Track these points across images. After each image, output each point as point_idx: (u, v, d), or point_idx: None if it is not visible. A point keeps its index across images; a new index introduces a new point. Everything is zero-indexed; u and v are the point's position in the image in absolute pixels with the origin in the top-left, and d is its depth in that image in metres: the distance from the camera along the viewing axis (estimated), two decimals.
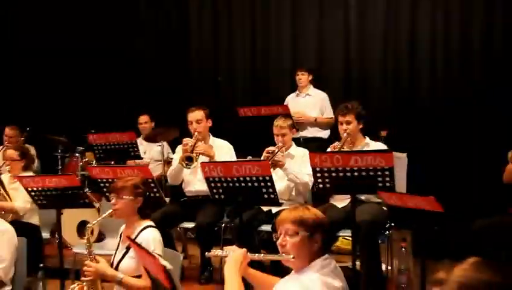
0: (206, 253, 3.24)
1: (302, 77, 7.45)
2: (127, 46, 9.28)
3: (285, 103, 7.41)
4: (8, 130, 7.75)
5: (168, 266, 2.41)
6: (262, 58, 8.75)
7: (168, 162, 7.15)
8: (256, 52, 8.78)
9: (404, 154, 5.55)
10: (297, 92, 7.61)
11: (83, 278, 3.93)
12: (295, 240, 2.74)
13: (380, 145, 5.16)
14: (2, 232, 4.69)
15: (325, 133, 7.35)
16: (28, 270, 5.03)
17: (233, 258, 2.93)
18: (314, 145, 6.57)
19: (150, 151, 7.82)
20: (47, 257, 6.05)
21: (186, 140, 5.59)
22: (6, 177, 6.16)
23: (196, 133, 5.64)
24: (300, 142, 6.66)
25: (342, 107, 5.16)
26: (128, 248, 3.88)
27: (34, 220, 6.10)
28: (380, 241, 4.95)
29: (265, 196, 4.56)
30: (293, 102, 7.46)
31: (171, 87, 8.99)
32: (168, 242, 4.58)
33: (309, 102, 7.42)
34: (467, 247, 4.66)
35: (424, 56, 7.86)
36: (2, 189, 5.76)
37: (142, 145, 7.53)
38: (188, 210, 5.69)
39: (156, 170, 7.08)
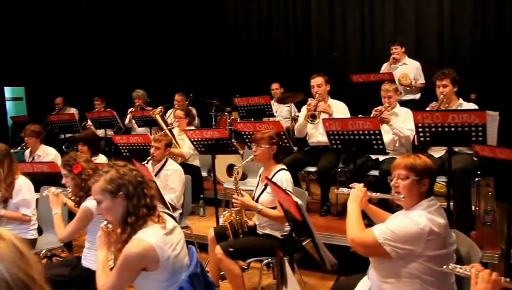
0: (335, 190, 3.14)
1: (396, 51, 6.98)
2: (266, 32, 9.24)
3: (381, 70, 7.02)
4: (177, 96, 7.99)
5: (299, 201, 2.31)
6: (370, 34, 8.35)
7: (294, 119, 7.07)
8: (365, 29, 8.37)
9: (497, 113, 5.07)
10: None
11: (231, 208, 3.97)
12: (406, 183, 2.60)
13: (472, 106, 4.76)
14: (175, 170, 4.87)
15: (417, 96, 6.91)
16: (192, 199, 5.21)
17: (355, 194, 2.83)
18: (409, 107, 6.19)
19: (280, 111, 7.76)
20: (205, 190, 6.21)
21: (310, 101, 5.46)
22: (176, 131, 6.36)
23: (318, 95, 5.48)
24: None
25: (439, 73, 4.80)
26: (266, 186, 3.87)
27: (196, 162, 6.29)
28: (470, 186, 4.62)
29: (375, 146, 4.39)
30: (390, 70, 7.01)
31: (297, 59, 8.89)
32: (295, 182, 4.53)
33: (405, 70, 6.94)
34: None
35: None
36: (173, 139, 5.94)
37: (274, 106, 7.48)
38: (311, 157, 5.58)
39: (285, 126, 7.01)
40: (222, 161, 6.27)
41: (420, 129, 4.03)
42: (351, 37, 8.53)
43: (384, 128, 4.85)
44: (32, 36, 10.06)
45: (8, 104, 10.93)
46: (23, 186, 4.26)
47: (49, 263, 4.45)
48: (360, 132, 4.35)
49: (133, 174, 2.38)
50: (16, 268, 1.03)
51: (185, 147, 6.01)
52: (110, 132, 7.75)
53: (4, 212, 4.20)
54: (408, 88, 6.80)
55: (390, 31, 8.11)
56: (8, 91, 10.91)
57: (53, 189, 3.79)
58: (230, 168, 6.42)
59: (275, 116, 7.24)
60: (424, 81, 6.80)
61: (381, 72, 6.91)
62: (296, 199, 2.36)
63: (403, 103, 6.33)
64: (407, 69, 6.92)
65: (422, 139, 4.08)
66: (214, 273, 3.99)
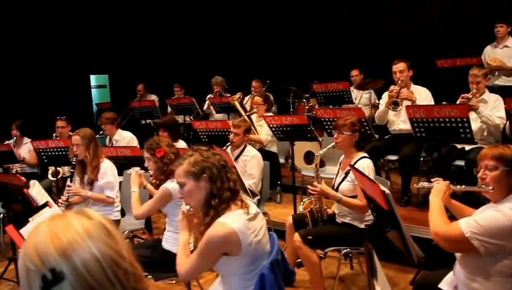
0: (415, 185, 3.00)
1: (501, 29, 6.50)
2: (343, 17, 9.01)
3: (483, 54, 6.61)
4: (254, 83, 8.00)
5: (387, 191, 2.21)
6: (455, 12, 7.82)
7: (374, 106, 6.88)
8: (448, 7, 7.87)
9: None
10: (495, 43, 6.65)
11: (311, 196, 3.90)
12: (494, 174, 2.42)
13: None
14: (254, 156, 4.87)
15: None
16: (270, 185, 5.20)
17: (437, 188, 2.68)
18: (501, 93, 5.81)
19: (359, 98, 7.57)
20: (282, 177, 6.18)
21: (392, 87, 5.27)
22: (254, 117, 6.37)
23: (400, 81, 5.29)
24: (494, 90, 5.88)
25: None
26: (346, 174, 3.78)
27: (274, 149, 6.28)
28: None
29: (462, 135, 4.19)
30: (491, 52, 6.58)
31: (377, 44, 8.54)
32: (376, 171, 4.38)
33: (506, 53, 6.48)
34: None
35: None
36: (252, 126, 5.94)
37: (354, 92, 7.32)
38: (392, 145, 5.41)
39: (364, 113, 6.83)
40: (299, 147, 6.22)
41: None
42: (433, 17, 8.06)
43: (471, 115, 4.60)
44: (115, 26, 10.42)
45: (93, 92, 11.47)
46: (107, 169, 4.43)
47: (130, 244, 4.60)
48: (446, 120, 4.17)
49: (217, 158, 2.38)
50: (104, 245, 1.06)
51: (263, 133, 6.01)
52: (188, 119, 7.91)
53: (90, 194, 4.38)
54: (504, 73, 6.32)
55: (479, 6, 7.48)
56: (93, 79, 11.43)
57: (137, 168, 3.92)
58: (307, 155, 6.36)
59: (354, 103, 7.07)
60: None
61: (482, 56, 6.52)
62: (383, 188, 2.25)
63: (502, 89, 5.96)
64: (508, 52, 6.45)
65: None
66: (290, 260, 3.96)
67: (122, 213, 4.73)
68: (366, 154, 3.82)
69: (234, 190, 2.36)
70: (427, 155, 5.31)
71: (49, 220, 1.10)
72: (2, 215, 5.29)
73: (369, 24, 8.70)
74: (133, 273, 1.09)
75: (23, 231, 2.67)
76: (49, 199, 3.64)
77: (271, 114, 6.23)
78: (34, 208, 3.24)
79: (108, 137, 6.42)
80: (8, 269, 4.55)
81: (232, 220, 2.25)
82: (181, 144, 5.52)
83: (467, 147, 4.80)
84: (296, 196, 5.14)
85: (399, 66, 5.39)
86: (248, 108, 7.04)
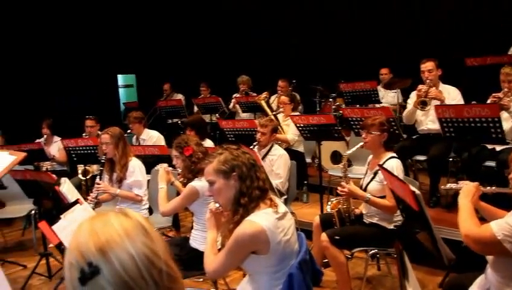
0: (442, 186, 2.96)
1: None
2: (371, 15, 8.92)
3: (510, 50, 6.45)
4: (280, 82, 7.96)
5: (417, 191, 2.18)
6: (485, 12, 7.67)
7: (401, 106, 6.80)
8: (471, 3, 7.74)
9: None
10: None
11: (338, 196, 3.89)
12: None
13: None
14: (281, 155, 4.87)
15: None
16: (297, 185, 5.18)
17: (466, 190, 2.63)
18: None
19: (386, 97, 7.50)
20: (309, 176, 6.16)
21: (420, 86, 5.21)
22: (280, 117, 6.37)
23: (428, 81, 5.22)
24: None
25: None
26: (375, 174, 3.75)
27: (300, 148, 6.27)
28: None
29: (493, 135, 4.10)
30: None
31: (405, 43, 8.44)
32: (404, 171, 4.34)
33: None
34: None
35: None
36: (278, 125, 5.94)
37: (381, 91, 7.25)
38: (420, 145, 5.34)
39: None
40: (326, 147, 6.20)
41: None
42: (463, 14, 7.89)
43: (503, 115, 4.51)
44: (142, 27, 10.54)
45: (121, 91, 11.62)
46: (136, 168, 4.48)
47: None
48: (477, 120, 4.08)
49: (246, 157, 2.39)
50: (141, 244, 1.09)
51: (290, 132, 6.00)
52: (214, 118, 7.95)
53: (119, 192, 4.44)
54: None
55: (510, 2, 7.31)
56: (120, 79, 11.58)
57: (165, 165, 3.96)
58: (334, 155, 6.33)
59: (381, 103, 7.01)
60: None
61: (509, 52, 6.38)
62: (413, 189, 2.23)
63: None
64: None
65: None
66: (317, 260, 3.92)
67: (150, 211, 4.78)
68: (394, 155, 3.79)
69: (263, 189, 2.37)
70: (456, 156, 5.24)
71: (91, 218, 1.16)
72: (33, 211, 5.41)
73: (398, 22, 8.60)
74: (167, 273, 1.11)
75: (55, 227, 2.73)
76: (79, 196, 3.71)
77: (297, 113, 6.22)
78: (65, 205, 3.30)
79: (135, 136, 6.50)
80: (40, 264, 4.65)
81: (261, 219, 2.26)
82: (208, 143, 5.55)
83: (498, 148, 4.69)
84: (323, 195, 5.13)
85: (427, 65, 5.31)
86: (274, 107, 7.03)
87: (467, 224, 2.44)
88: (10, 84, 8.45)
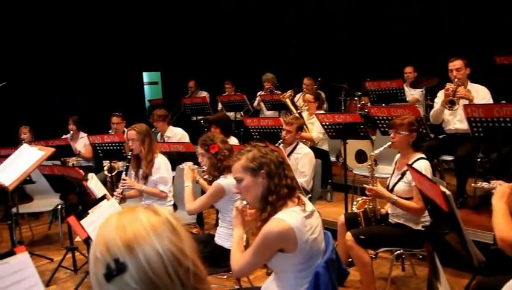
0: (473, 184, 2.90)
1: None
2: (397, 12, 8.80)
3: None
4: (305, 80, 7.93)
5: (448, 192, 2.15)
6: None
7: (427, 105, 6.71)
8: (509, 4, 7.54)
9: None
10: None
11: (363, 197, 3.86)
12: None
13: None
14: (306, 154, 4.85)
15: None
16: (321, 183, 5.15)
17: (501, 191, 2.57)
18: None
19: (410, 96, 7.40)
20: (333, 175, 6.13)
21: (448, 85, 5.12)
22: (305, 115, 6.34)
23: (456, 80, 5.13)
24: None
25: None
26: (402, 174, 3.70)
27: (325, 147, 6.23)
28: None
29: None
30: None
31: (431, 40, 8.30)
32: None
33: None
34: None
35: None
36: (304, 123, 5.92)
37: (406, 90, 7.16)
38: (447, 145, 5.26)
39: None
40: (351, 146, 6.15)
41: None
42: (492, 12, 7.73)
43: None
44: (167, 25, 10.61)
45: (146, 88, 11.72)
46: (161, 164, 4.51)
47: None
48: (507, 119, 3.99)
49: (275, 155, 2.39)
50: (168, 241, 1.07)
51: (315, 131, 5.97)
52: (239, 115, 7.95)
53: (144, 188, 4.48)
54: None
55: None
56: (145, 76, 11.69)
57: (190, 163, 3.97)
58: (359, 154, 6.28)
59: (407, 102, 6.93)
60: None
61: None
62: (443, 189, 2.19)
63: None
64: None
65: None
66: (341, 259, 3.91)
67: (175, 207, 4.81)
68: (423, 155, 3.73)
69: (291, 187, 2.36)
70: (484, 156, 5.14)
71: (119, 213, 1.14)
72: (60, 206, 5.49)
73: (423, 19, 8.49)
74: (194, 273, 1.10)
75: (83, 221, 2.76)
76: (105, 191, 3.75)
77: (322, 112, 6.19)
78: (92, 201, 3.34)
79: (160, 133, 6.54)
80: (66, 258, 4.73)
81: (288, 217, 2.25)
82: (233, 140, 5.56)
83: None
84: (348, 195, 5.09)
85: (455, 64, 5.22)
86: (299, 105, 7.01)
87: (502, 227, 2.39)
88: (38, 81, 8.60)
